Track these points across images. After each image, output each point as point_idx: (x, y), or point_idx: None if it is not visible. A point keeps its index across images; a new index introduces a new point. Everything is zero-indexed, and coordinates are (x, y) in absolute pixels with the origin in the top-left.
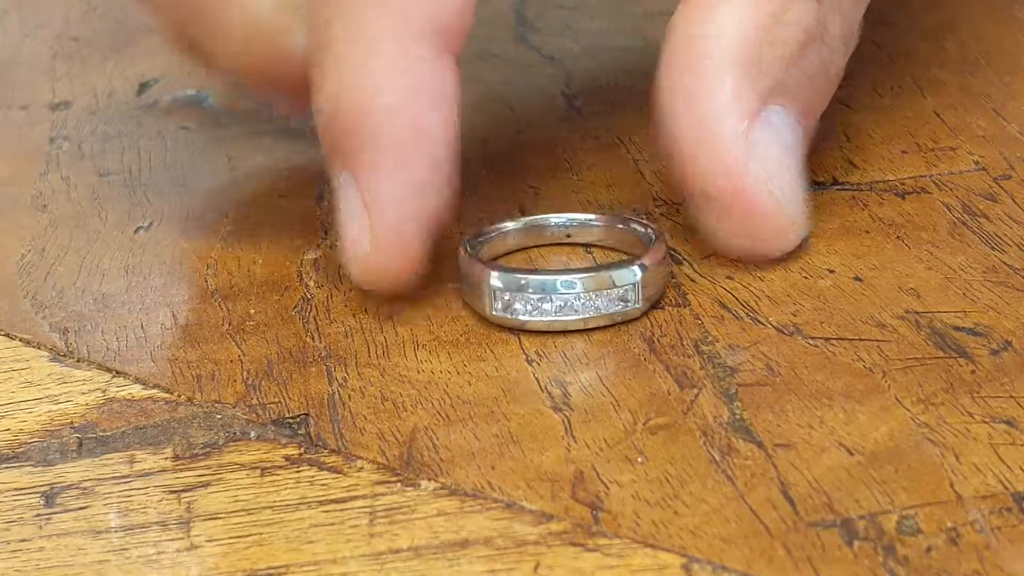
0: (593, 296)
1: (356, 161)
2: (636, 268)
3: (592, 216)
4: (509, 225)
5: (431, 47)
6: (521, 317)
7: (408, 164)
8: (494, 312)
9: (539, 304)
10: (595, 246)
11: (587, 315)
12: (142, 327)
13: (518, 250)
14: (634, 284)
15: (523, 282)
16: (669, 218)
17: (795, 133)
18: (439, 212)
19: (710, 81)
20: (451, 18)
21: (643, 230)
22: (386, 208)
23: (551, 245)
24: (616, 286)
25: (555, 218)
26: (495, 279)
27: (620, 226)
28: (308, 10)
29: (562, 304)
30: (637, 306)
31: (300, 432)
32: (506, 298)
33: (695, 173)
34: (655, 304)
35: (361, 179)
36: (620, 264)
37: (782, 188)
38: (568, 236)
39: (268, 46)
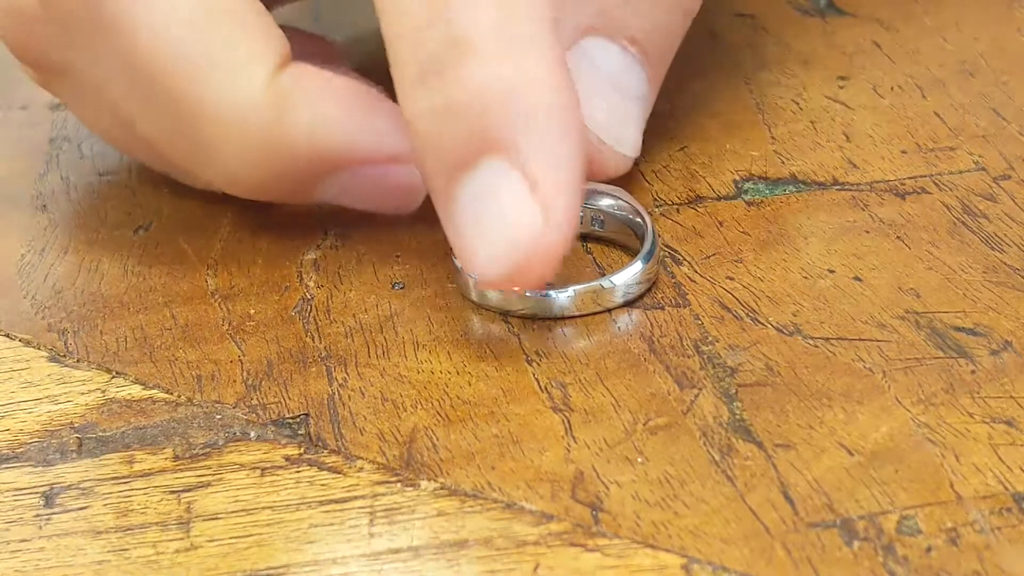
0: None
1: (517, 142)
2: (630, 270)
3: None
4: None
5: (554, 28)
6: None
7: (569, 140)
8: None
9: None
10: (591, 237)
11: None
12: (142, 327)
13: None
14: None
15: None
16: (669, 218)
17: (621, 62)
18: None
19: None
20: (553, 9)
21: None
22: (559, 184)
23: None
24: (606, 288)
25: None
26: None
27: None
28: (388, 25)
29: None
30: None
31: (300, 432)
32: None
33: None
34: (642, 295)
35: (528, 157)
36: (610, 275)
37: (599, 114)
38: None
39: (268, 147)
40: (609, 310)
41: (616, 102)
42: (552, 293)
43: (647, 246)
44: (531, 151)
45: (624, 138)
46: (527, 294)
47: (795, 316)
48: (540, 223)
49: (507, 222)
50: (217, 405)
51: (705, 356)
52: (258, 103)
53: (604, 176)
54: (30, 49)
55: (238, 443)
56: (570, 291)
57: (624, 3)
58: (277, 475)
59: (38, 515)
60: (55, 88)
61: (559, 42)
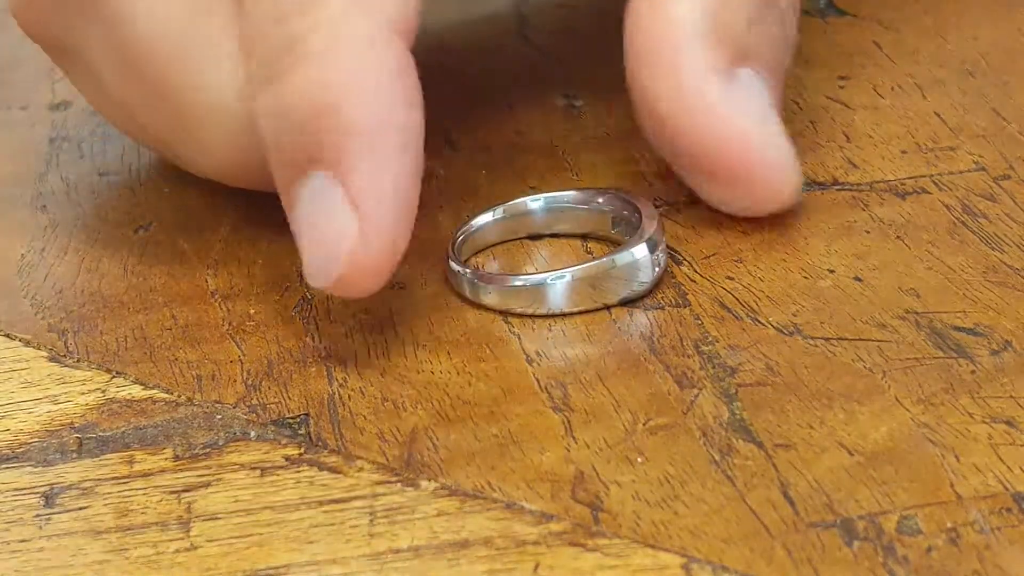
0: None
1: (341, 157)
2: (637, 250)
3: (571, 194)
4: (487, 218)
5: (397, 39)
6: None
7: (397, 156)
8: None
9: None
10: (590, 236)
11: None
12: (142, 327)
13: (500, 242)
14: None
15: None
16: (669, 218)
17: (768, 90)
18: (416, 205)
19: (682, 51)
20: (406, 8)
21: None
22: (380, 202)
23: (535, 237)
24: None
25: (532, 202)
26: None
27: (600, 200)
28: (245, 18)
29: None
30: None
31: (300, 432)
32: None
33: (689, 145)
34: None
35: (349, 174)
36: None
37: (771, 142)
38: (548, 227)
39: (241, 140)
40: (608, 307)
41: (780, 130)
42: (548, 279)
43: (645, 236)
44: (353, 167)
45: (793, 163)
46: (523, 284)
47: (795, 316)
48: (357, 240)
49: (328, 236)
50: (217, 405)
51: (705, 356)
52: (243, 95)
53: (785, 204)
54: (36, 25)
55: (238, 443)
56: (567, 276)
57: (760, 38)
58: (277, 475)
59: (38, 515)
60: (61, 64)
61: (399, 49)
